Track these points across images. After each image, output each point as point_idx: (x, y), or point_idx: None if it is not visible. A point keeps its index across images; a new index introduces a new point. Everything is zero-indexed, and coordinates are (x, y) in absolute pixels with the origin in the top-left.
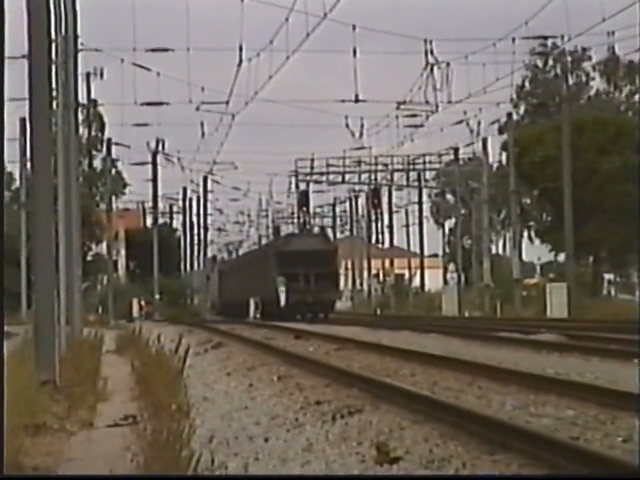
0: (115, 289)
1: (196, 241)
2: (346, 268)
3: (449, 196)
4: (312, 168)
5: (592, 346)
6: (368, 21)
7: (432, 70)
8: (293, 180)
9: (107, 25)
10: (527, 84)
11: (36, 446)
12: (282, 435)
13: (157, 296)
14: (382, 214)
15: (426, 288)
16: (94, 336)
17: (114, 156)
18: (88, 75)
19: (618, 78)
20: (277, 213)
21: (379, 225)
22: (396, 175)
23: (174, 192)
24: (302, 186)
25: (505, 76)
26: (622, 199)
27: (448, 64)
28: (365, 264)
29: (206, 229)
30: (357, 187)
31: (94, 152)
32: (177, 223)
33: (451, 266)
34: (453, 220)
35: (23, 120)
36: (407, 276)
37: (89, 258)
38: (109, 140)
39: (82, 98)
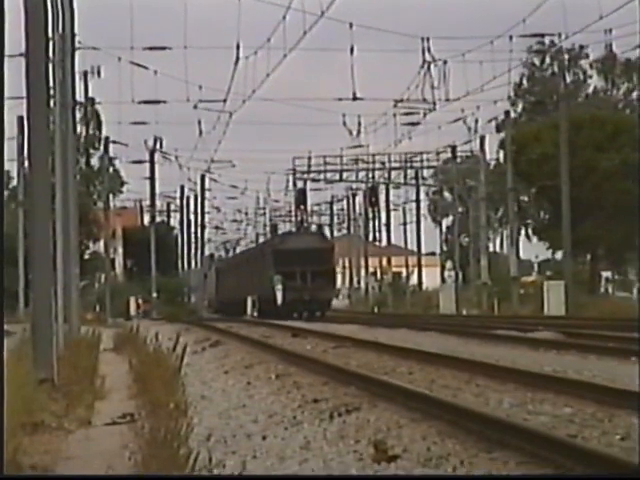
0: (112, 287)
1: (193, 239)
2: (344, 266)
3: (447, 194)
4: (309, 166)
5: (590, 344)
6: (365, 19)
7: (429, 68)
8: (291, 178)
9: (104, 23)
10: (524, 82)
11: (34, 444)
12: (280, 433)
13: (154, 294)
14: (379, 212)
15: (423, 286)
16: (92, 334)
17: (112, 154)
18: (85, 73)
19: (615, 76)
20: (274, 211)
21: (376, 223)
22: (393, 173)
23: (172, 190)
24: (299, 184)
25: (502, 74)
26: (620, 197)
27: (445, 62)
28: (362, 262)
29: (203, 227)
30: (354, 185)
31: (92, 150)
32: (175, 221)
33: (448, 264)
34: (451, 218)
35: (21, 118)
36: (405, 274)
37: (87, 256)
38: (107, 138)
39: (80, 96)
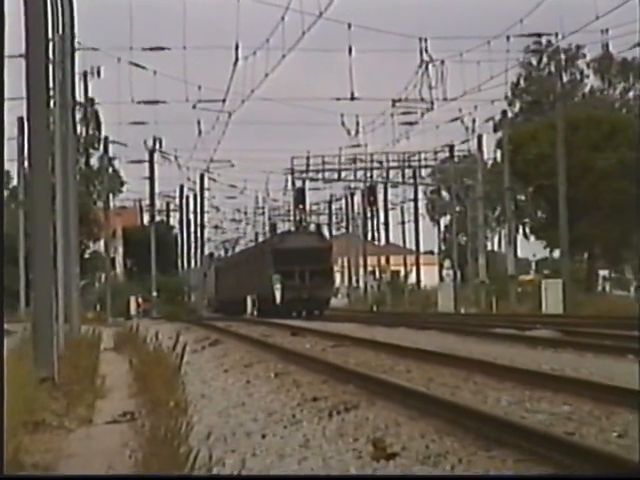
0: (113, 287)
1: (193, 239)
2: (342, 265)
3: (444, 193)
4: (308, 166)
5: (587, 342)
6: (363, 20)
7: (427, 68)
8: (289, 178)
9: (104, 24)
10: (522, 82)
11: (35, 443)
12: (279, 431)
13: (154, 294)
14: (378, 211)
15: (422, 285)
16: (92, 334)
17: (111, 154)
18: (85, 74)
19: (612, 75)
20: (273, 211)
21: (375, 222)
22: (392, 172)
23: (171, 190)
24: (298, 184)
25: (500, 74)
26: (616, 196)
27: (443, 62)
28: (361, 261)
29: (203, 227)
30: (353, 185)
31: (91, 150)
32: (174, 221)
33: (447, 263)
34: (448, 217)
35: (21, 119)
36: (403, 273)
37: (87, 256)
38: (106, 138)
39: (79, 97)
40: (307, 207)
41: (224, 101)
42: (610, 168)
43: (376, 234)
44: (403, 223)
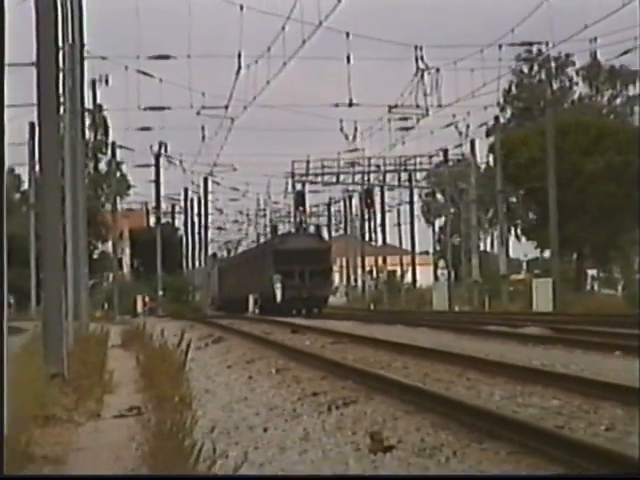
0: (120, 286)
1: (197, 240)
2: (341, 265)
3: (439, 196)
4: (308, 169)
5: (576, 339)
6: (361, 29)
7: (422, 75)
8: (290, 181)
9: (112, 34)
10: (513, 89)
11: (46, 436)
12: (280, 425)
13: (160, 292)
14: (375, 213)
15: (417, 284)
16: (100, 331)
17: (119, 159)
18: (94, 81)
19: (600, 83)
20: (274, 213)
21: (372, 224)
22: (388, 176)
23: (176, 193)
24: (298, 187)
25: (492, 81)
26: (604, 199)
27: (438, 70)
28: (359, 261)
29: (207, 228)
30: (351, 187)
31: (100, 155)
32: (179, 222)
33: (441, 263)
34: (443, 219)
35: (32, 124)
36: (399, 273)
37: (95, 256)
38: (114, 143)
39: (88, 103)
40: (307, 209)
41: (227, 107)
42: (598, 172)
43: (373, 235)
44: (399, 225)
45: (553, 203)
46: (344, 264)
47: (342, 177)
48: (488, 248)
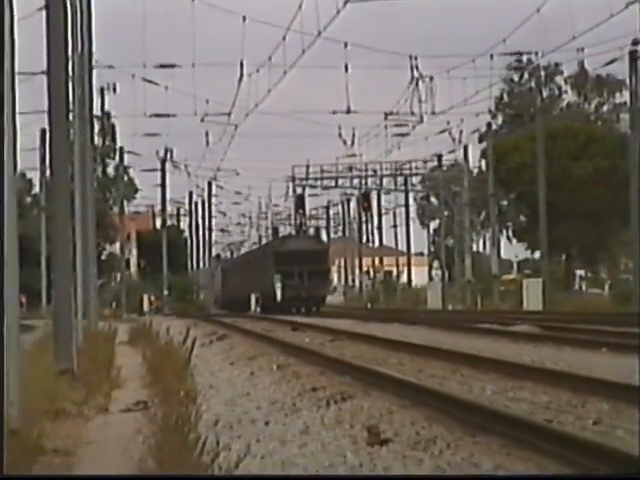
0: (127, 285)
1: (201, 241)
2: (339, 266)
3: (433, 199)
4: (307, 174)
5: (565, 336)
6: (359, 39)
7: (417, 84)
8: (290, 185)
9: (119, 44)
10: (504, 96)
11: (56, 430)
12: (281, 419)
13: (166, 292)
14: (372, 216)
15: (413, 284)
16: (108, 329)
17: (126, 163)
18: (102, 89)
19: (587, 91)
20: (276, 215)
21: (369, 226)
22: (385, 180)
23: (181, 196)
24: (298, 190)
25: (484, 89)
26: (592, 202)
27: (432, 78)
28: (357, 262)
29: (210, 230)
30: (349, 191)
31: (108, 160)
32: (184, 225)
33: (435, 263)
34: (437, 221)
35: (43, 131)
36: (395, 273)
37: (104, 257)
38: (121, 149)
39: (97, 111)
40: (307, 212)
41: (230, 114)
42: (586, 176)
43: (370, 237)
44: (395, 227)
45: (543, 206)
46: (342, 264)
47: (340, 181)
48: (480, 249)
